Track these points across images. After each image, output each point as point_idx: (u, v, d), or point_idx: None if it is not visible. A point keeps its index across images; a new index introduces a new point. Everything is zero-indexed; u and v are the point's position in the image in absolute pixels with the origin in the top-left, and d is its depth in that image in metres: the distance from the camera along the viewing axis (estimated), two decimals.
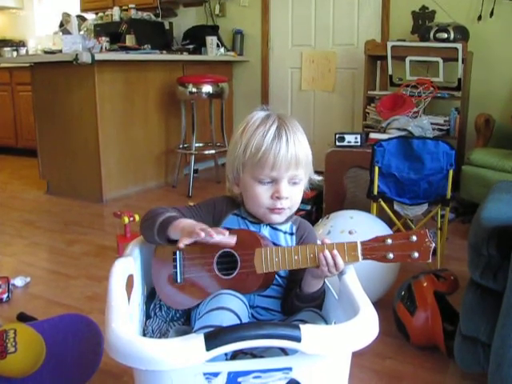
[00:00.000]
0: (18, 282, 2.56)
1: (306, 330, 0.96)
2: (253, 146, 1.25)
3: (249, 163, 1.26)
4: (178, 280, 1.31)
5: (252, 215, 1.34)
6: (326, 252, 1.15)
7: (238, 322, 1.15)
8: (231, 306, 1.16)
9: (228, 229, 1.30)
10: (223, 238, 1.20)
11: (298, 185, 1.29)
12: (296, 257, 1.17)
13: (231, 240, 1.21)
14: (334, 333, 0.99)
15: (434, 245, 1.10)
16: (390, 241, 1.12)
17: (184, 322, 1.40)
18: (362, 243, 1.14)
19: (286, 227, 1.36)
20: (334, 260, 1.15)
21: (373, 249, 1.13)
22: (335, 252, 1.15)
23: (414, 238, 1.10)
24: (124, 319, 1.03)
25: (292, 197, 1.28)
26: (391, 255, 1.11)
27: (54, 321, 1.81)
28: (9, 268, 2.81)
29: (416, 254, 1.10)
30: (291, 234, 1.36)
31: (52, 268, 2.83)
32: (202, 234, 1.16)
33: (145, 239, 1.37)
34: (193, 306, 1.30)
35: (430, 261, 1.11)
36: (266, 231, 1.33)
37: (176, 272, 1.31)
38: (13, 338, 1.59)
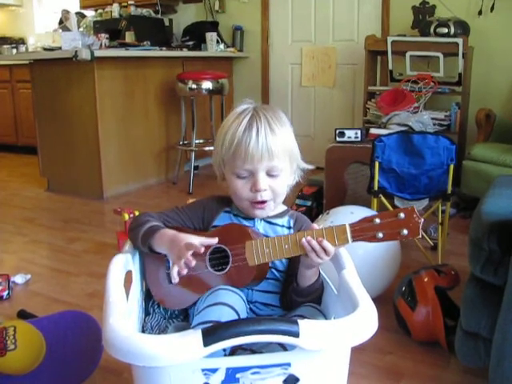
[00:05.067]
0: (19, 279, 2.56)
1: (304, 325, 0.95)
2: (227, 140, 1.25)
3: (226, 158, 1.26)
4: (172, 280, 1.31)
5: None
6: (308, 237, 1.14)
7: (237, 317, 1.15)
8: (229, 301, 1.16)
9: (217, 225, 1.31)
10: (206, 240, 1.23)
11: (278, 176, 1.26)
12: (286, 246, 1.16)
13: (213, 240, 1.23)
14: (332, 328, 0.98)
15: (422, 220, 1.09)
16: (378, 220, 1.10)
17: (183, 318, 1.40)
18: (351, 225, 1.13)
19: (284, 221, 1.35)
20: (321, 244, 1.14)
21: (362, 230, 1.11)
22: (322, 239, 1.14)
23: (402, 215, 1.09)
24: (121, 315, 1.03)
25: (273, 188, 1.26)
26: (380, 234, 1.10)
27: (54, 318, 1.81)
28: (9, 265, 2.81)
29: (405, 231, 1.08)
30: (289, 227, 1.35)
31: (52, 265, 2.83)
32: (193, 263, 1.18)
33: (132, 244, 1.38)
34: (189, 304, 1.30)
35: (420, 236, 1.09)
36: (260, 226, 1.32)
37: (169, 273, 1.32)
38: (12, 335, 1.58)
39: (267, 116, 1.25)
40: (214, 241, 1.23)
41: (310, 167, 1.36)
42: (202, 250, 1.19)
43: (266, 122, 1.24)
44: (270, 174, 1.25)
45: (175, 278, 1.21)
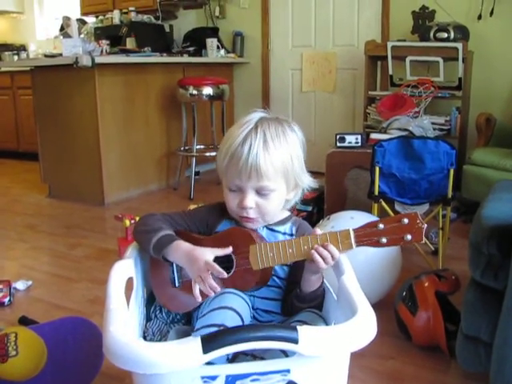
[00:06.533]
0: (20, 285, 2.56)
1: (303, 331, 0.95)
2: (223, 151, 1.23)
3: (222, 168, 1.26)
4: (176, 284, 1.32)
5: None
6: (319, 247, 1.14)
7: (240, 321, 1.16)
8: (234, 306, 1.16)
9: (219, 231, 1.31)
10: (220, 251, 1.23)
11: (268, 195, 1.24)
12: (290, 250, 1.17)
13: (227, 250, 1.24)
14: (331, 334, 0.98)
15: (425, 225, 1.10)
16: (381, 225, 1.11)
17: (185, 323, 1.40)
18: (355, 230, 1.13)
19: (286, 228, 1.35)
20: (328, 249, 1.14)
21: (365, 235, 1.12)
22: (328, 244, 1.14)
23: (406, 220, 1.10)
24: (122, 323, 1.03)
25: (261, 207, 1.25)
26: (384, 240, 1.11)
27: (56, 324, 1.81)
28: (10, 272, 2.81)
29: (409, 237, 1.09)
30: (291, 234, 1.34)
31: (54, 271, 2.83)
32: (218, 289, 1.19)
33: (139, 246, 1.38)
34: (193, 307, 1.30)
35: (423, 241, 1.10)
36: (263, 233, 1.32)
37: (173, 277, 1.32)
38: (14, 341, 1.59)
39: (266, 132, 1.21)
40: (228, 250, 1.24)
41: (314, 185, 1.34)
42: (225, 275, 1.20)
43: (261, 139, 1.20)
44: (259, 193, 1.24)
45: (198, 297, 1.22)
